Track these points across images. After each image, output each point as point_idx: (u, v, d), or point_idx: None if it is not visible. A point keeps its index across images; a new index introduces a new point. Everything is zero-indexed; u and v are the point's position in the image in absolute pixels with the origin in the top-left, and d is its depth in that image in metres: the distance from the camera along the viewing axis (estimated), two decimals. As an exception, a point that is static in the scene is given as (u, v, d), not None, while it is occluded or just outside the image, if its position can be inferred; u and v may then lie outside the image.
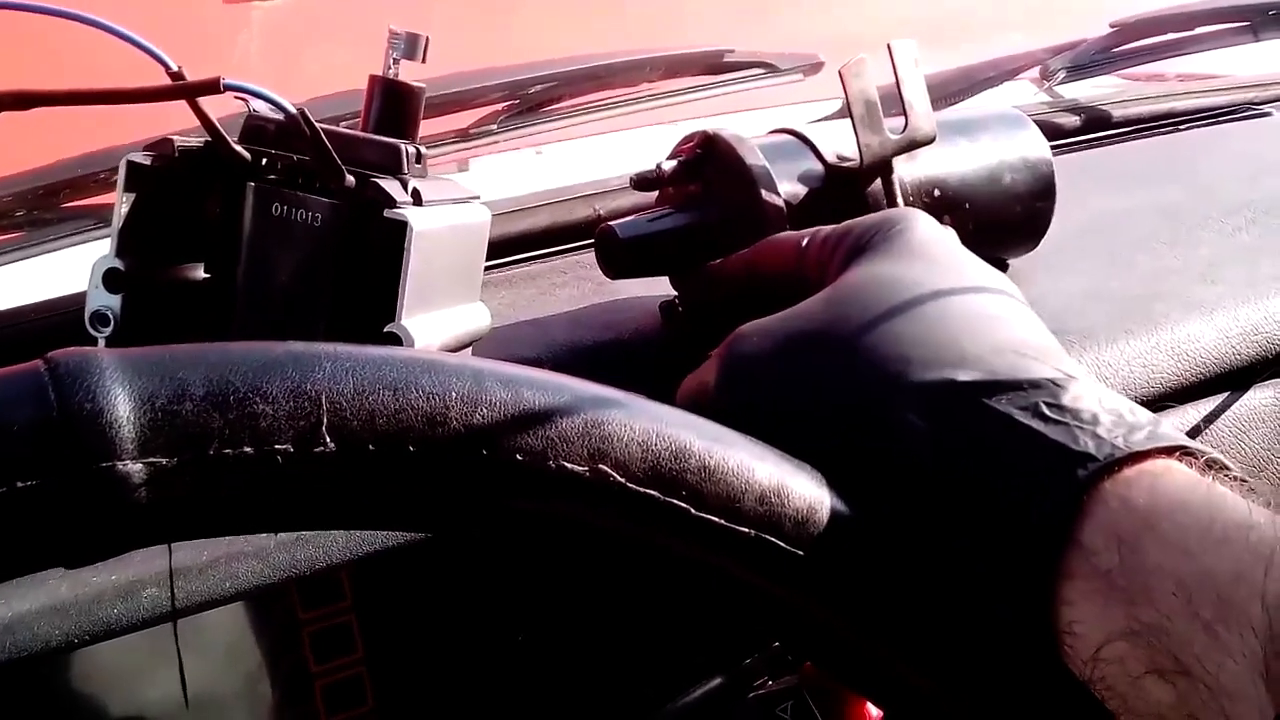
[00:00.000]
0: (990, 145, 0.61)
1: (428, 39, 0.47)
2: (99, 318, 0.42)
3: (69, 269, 0.65)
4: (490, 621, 0.48)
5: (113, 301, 0.42)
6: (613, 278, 0.57)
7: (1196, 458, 0.33)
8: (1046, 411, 0.33)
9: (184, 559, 0.41)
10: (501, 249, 0.71)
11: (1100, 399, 0.34)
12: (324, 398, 0.27)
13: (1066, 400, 0.34)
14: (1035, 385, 0.34)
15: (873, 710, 0.47)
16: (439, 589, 0.47)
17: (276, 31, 0.94)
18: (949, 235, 0.44)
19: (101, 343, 0.42)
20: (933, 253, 0.42)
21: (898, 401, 0.35)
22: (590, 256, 0.71)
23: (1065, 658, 0.32)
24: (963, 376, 0.35)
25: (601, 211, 0.76)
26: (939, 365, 0.36)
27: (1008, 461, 0.33)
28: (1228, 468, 0.33)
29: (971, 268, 0.41)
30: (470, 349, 0.48)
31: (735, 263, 0.51)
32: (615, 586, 0.48)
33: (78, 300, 0.60)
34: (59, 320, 0.60)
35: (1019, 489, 0.33)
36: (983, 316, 0.38)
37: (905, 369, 0.36)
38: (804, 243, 0.46)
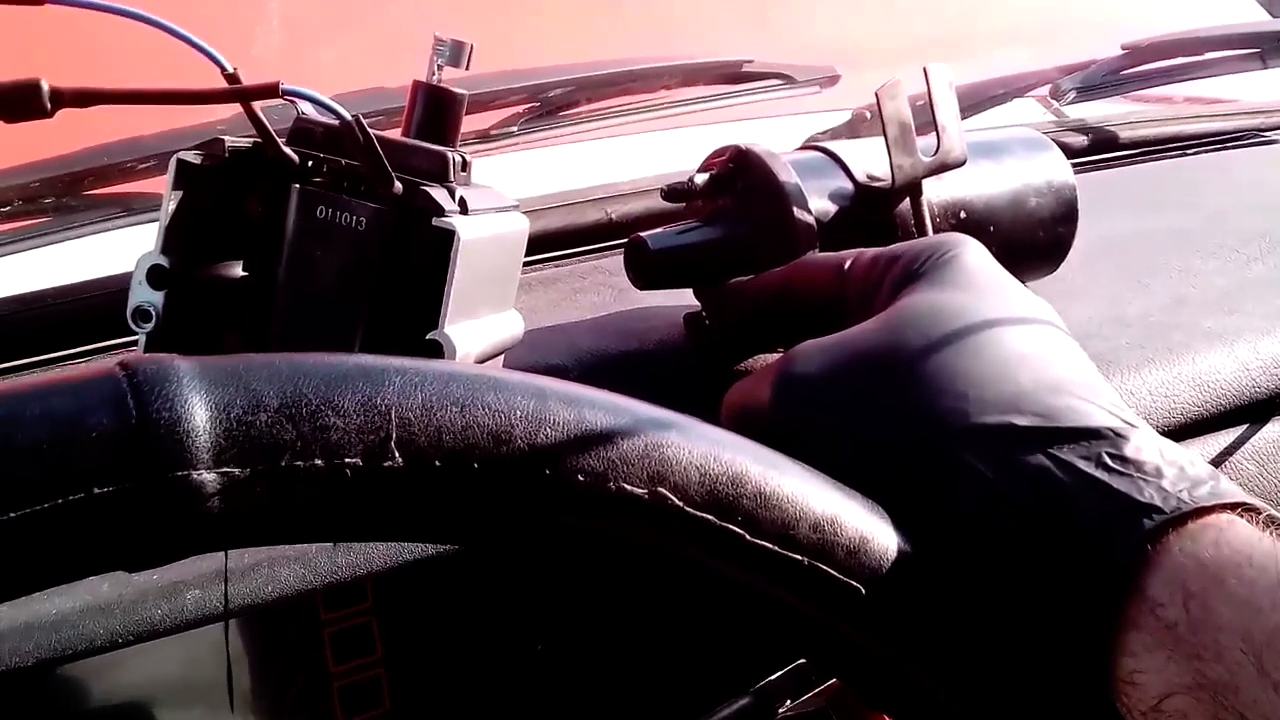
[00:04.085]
0: (1015, 168, 0.62)
1: (472, 46, 0.47)
2: (141, 314, 0.42)
3: (93, 255, 0.65)
4: (510, 629, 0.48)
5: (155, 298, 0.42)
6: (641, 288, 0.57)
7: (1258, 513, 0.33)
8: (1110, 462, 0.34)
9: (230, 561, 0.41)
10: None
11: (1161, 451, 0.34)
12: (393, 412, 0.27)
13: (1129, 451, 0.34)
14: (1097, 434, 0.34)
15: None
16: (460, 594, 0.47)
17: (291, 25, 0.94)
18: (996, 263, 0.44)
19: (142, 339, 0.42)
20: (985, 282, 0.42)
21: (958, 441, 0.35)
22: (609, 262, 0.72)
23: (1121, 707, 0.32)
24: (1023, 421, 0.35)
25: (614, 215, 0.76)
26: (999, 405, 0.36)
27: (1071, 509, 0.33)
28: None
29: (1021, 298, 0.42)
30: (503, 357, 0.48)
31: (769, 280, 0.51)
32: (639, 600, 0.49)
33: (102, 285, 0.61)
34: (83, 304, 0.60)
35: (1083, 537, 0.33)
36: (1038, 352, 0.38)
37: (965, 407, 0.36)
38: (847, 265, 0.46)
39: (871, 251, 0.46)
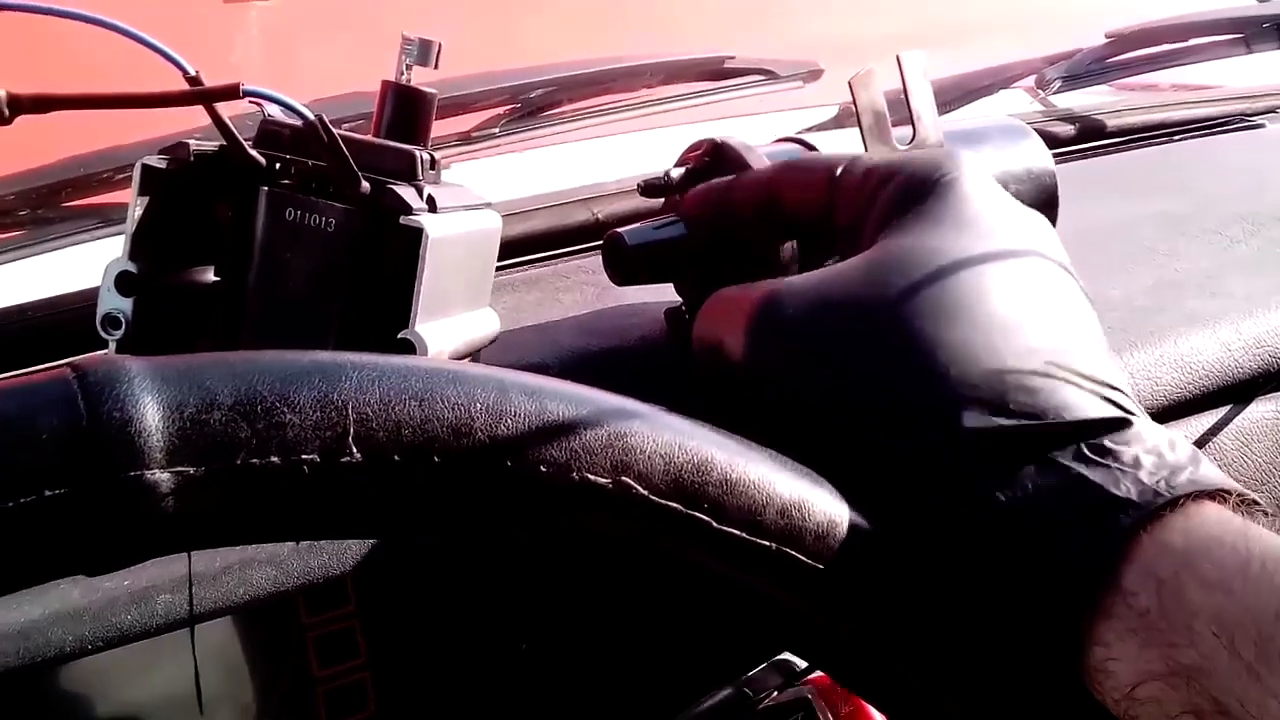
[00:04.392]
0: (993, 156, 0.61)
1: (440, 45, 0.47)
2: (110, 320, 0.42)
3: (71, 267, 0.65)
4: (495, 628, 0.48)
5: (124, 305, 0.42)
6: (619, 284, 0.57)
7: (1231, 496, 0.32)
8: (1088, 453, 0.33)
9: (199, 565, 0.41)
10: (500, 252, 0.71)
11: (1142, 434, 0.34)
12: (350, 408, 0.27)
13: (1108, 441, 0.33)
14: (1076, 425, 0.34)
15: (882, 722, 0.47)
16: (443, 595, 0.47)
17: (273, 31, 0.93)
18: (995, 188, 0.42)
19: (112, 346, 0.42)
20: (979, 217, 0.40)
21: (935, 423, 0.35)
22: (591, 261, 0.72)
23: (1097, 695, 0.32)
24: (1004, 420, 0.34)
25: (600, 215, 0.76)
26: (979, 390, 0.35)
27: (1047, 502, 0.33)
28: (1258, 503, 0.32)
29: (1017, 233, 0.40)
30: (480, 355, 0.48)
31: (751, 185, 0.48)
32: (621, 595, 0.48)
33: (80, 298, 0.60)
34: (61, 318, 0.60)
35: (1058, 534, 0.32)
36: (1023, 315, 0.37)
37: (945, 389, 0.35)
38: (839, 170, 0.44)
39: (866, 163, 0.43)
